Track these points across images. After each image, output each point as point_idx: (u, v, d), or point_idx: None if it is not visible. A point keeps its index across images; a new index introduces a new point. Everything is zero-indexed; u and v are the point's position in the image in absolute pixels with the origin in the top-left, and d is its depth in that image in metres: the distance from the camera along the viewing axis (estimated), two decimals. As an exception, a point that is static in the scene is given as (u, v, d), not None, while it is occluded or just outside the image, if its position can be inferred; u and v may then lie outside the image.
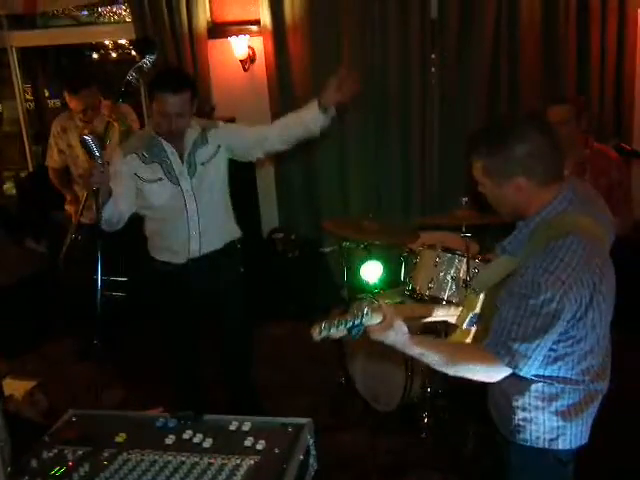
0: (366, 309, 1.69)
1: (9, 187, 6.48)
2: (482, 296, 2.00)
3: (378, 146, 5.17)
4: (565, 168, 3.49)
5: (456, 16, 4.77)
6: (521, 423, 1.97)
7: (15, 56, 6.05)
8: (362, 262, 3.94)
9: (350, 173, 5.27)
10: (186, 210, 3.12)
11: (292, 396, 4.02)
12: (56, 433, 2.08)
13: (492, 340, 1.80)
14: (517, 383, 1.91)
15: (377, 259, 3.90)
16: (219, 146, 3.19)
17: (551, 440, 1.95)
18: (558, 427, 1.93)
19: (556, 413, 1.92)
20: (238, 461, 1.81)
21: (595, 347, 1.88)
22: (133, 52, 6.17)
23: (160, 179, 3.07)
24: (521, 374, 1.79)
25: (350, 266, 4.09)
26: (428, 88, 5.01)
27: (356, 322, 1.69)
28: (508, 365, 1.77)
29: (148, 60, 3.07)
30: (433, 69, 5.02)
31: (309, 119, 3.04)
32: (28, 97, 6.63)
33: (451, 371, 1.84)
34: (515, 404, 1.96)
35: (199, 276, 3.22)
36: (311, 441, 1.96)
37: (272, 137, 3.19)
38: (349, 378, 3.92)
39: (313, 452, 1.97)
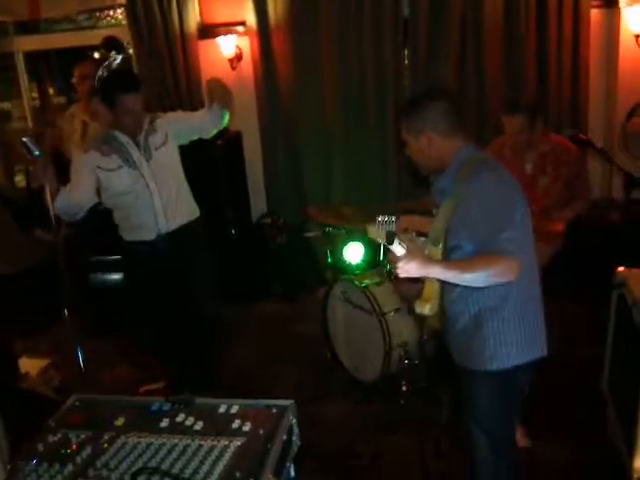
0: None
1: (20, 180, 6.39)
2: (441, 246, 2.09)
3: (358, 136, 5.13)
4: (527, 163, 3.49)
5: (426, 15, 4.71)
6: (493, 349, 2.14)
7: (21, 58, 6.03)
8: (344, 245, 3.92)
9: (332, 162, 5.23)
10: (149, 190, 3.21)
11: (281, 370, 4.02)
12: (61, 418, 2.06)
13: (490, 248, 1.95)
14: (486, 310, 2.13)
15: (358, 242, 3.87)
16: (167, 134, 3.28)
17: (517, 356, 2.15)
18: (523, 344, 2.15)
19: (520, 332, 2.14)
20: (226, 442, 1.80)
21: (529, 272, 2.10)
22: (130, 51, 6.06)
23: (120, 167, 3.15)
24: (518, 260, 1.94)
25: (333, 249, 4.06)
26: (401, 82, 4.96)
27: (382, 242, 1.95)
28: (512, 253, 1.92)
29: (117, 58, 3.06)
30: (406, 62, 4.98)
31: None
32: (34, 95, 6.55)
33: (469, 277, 1.96)
34: (486, 333, 2.14)
35: (168, 252, 3.30)
36: (294, 421, 1.95)
37: (208, 120, 3.34)
38: (334, 352, 3.91)
39: (296, 431, 1.96)
